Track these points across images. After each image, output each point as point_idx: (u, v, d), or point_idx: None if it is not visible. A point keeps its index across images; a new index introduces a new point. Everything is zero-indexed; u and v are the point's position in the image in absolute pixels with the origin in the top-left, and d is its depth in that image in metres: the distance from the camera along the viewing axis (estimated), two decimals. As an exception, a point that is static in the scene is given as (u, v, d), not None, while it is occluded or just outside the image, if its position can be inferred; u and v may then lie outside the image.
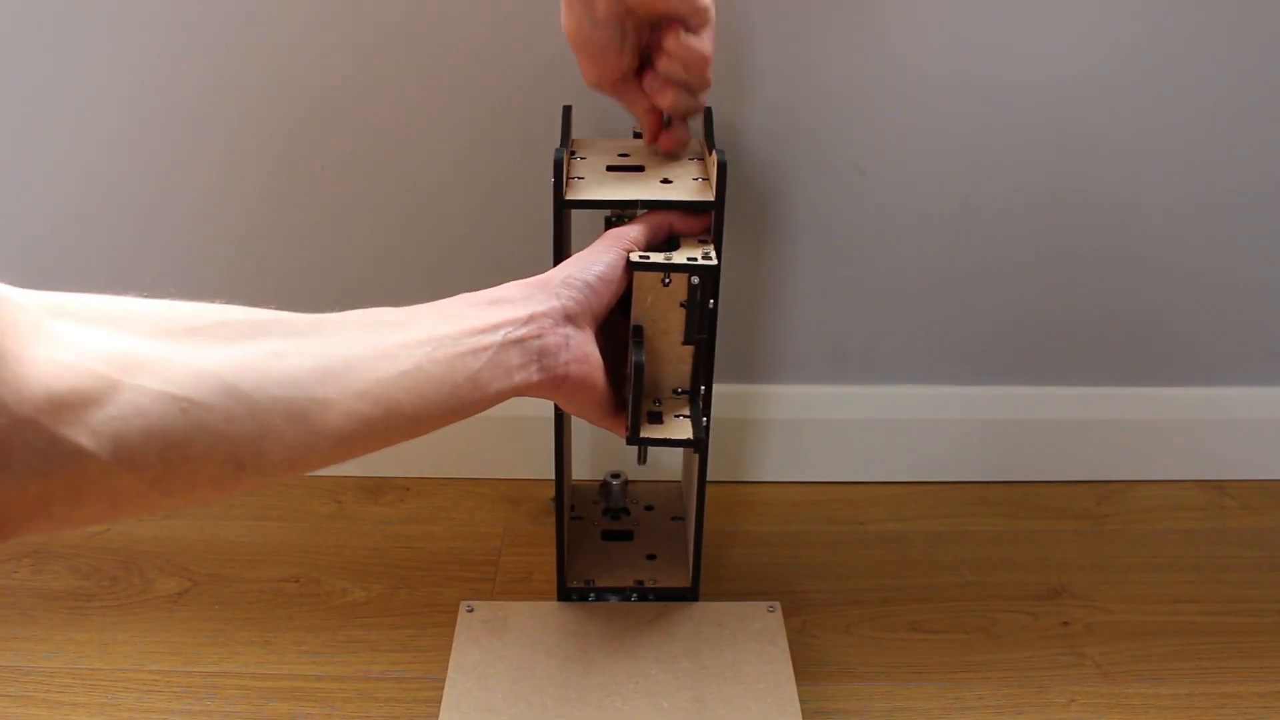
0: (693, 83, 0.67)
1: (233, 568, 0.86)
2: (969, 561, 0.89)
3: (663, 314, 0.64)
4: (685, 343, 0.64)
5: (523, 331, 0.55)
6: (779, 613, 0.76)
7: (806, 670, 0.76)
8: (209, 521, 0.91)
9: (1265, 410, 0.96)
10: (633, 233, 0.64)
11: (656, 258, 0.63)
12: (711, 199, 0.66)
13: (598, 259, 0.61)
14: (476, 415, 0.54)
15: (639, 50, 0.66)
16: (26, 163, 0.85)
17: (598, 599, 0.78)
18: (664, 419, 0.65)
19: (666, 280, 0.63)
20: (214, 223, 0.88)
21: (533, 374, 0.55)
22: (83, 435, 0.35)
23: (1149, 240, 0.90)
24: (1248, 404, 0.96)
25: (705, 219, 0.67)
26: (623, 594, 0.78)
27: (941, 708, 0.75)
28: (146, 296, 0.42)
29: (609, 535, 0.84)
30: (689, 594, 0.78)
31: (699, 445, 0.64)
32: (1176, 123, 0.85)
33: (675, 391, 0.66)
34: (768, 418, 0.95)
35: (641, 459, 0.83)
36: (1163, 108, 0.85)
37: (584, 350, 0.58)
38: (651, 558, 0.81)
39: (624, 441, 0.64)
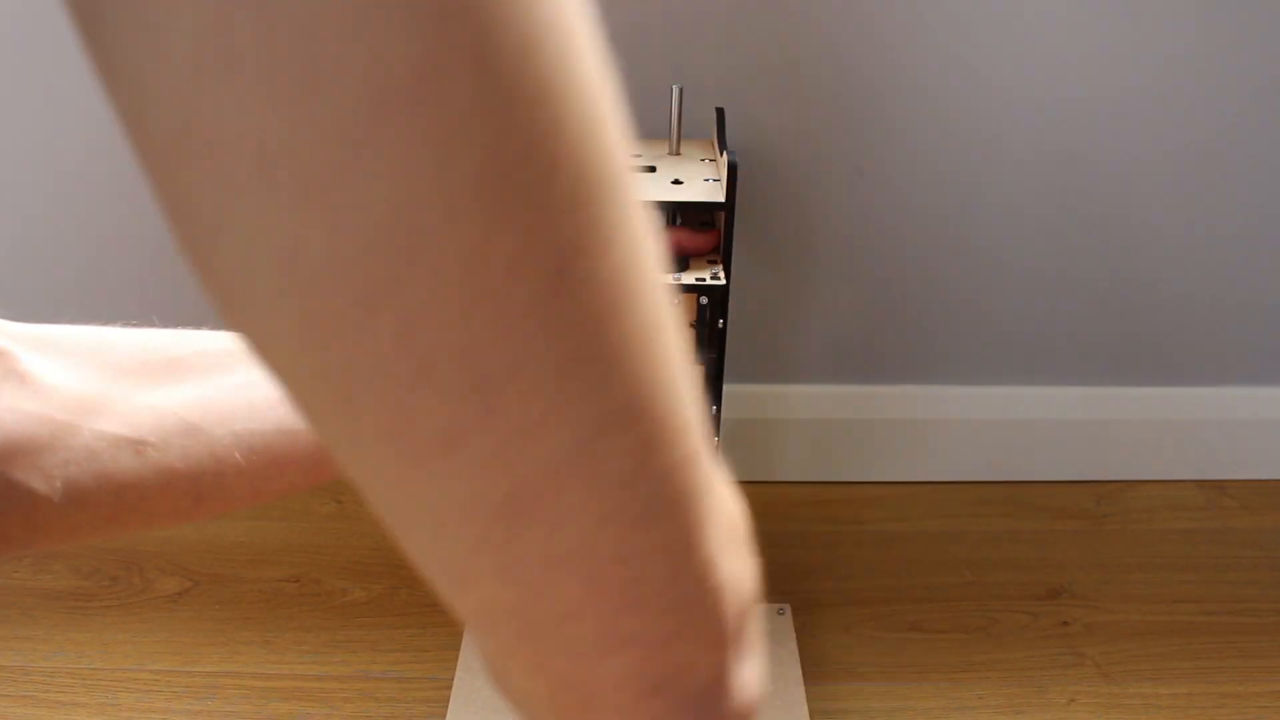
0: None
1: (233, 568, 0.86)
2: (969, 561, 0.89)
3: None
4: (694, 363, 0.64)
5: None
6: (789, 615, 0.76)
7: (807, 670, 0.76)
8: (209, 521, 0.91)
9: (1265, 410, 0.97)
10: None
11: None
12: (722, 199, 0.66)
13: None
14: None
15: None
16: (7, 161, 0.85)
17: None
18: None
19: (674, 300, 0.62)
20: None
21: None
22: (35, 479, 0.36)
23: (1149, 241, 0.90)
24: (1248, 404, 0.96)
25: (713, 237, 0.67)
26: None
27: (941, 708, 0.75)
28: (134, 325, 0.43)
29: None
30: None
31: None
32: (1176, 123, 0.85)
33: None
34: (768, 418, 0.95)
35: None
36: (1164, 109, 0.85)
37: None
38: None
39: None
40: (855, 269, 0.90)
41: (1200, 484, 0.98)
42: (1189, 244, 0.90)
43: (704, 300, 0.63)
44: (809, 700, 0.74)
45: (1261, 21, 0.82)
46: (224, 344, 0.44)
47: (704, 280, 0.63)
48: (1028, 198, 0.88)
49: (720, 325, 0.64)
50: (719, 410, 0.68)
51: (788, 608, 0.77)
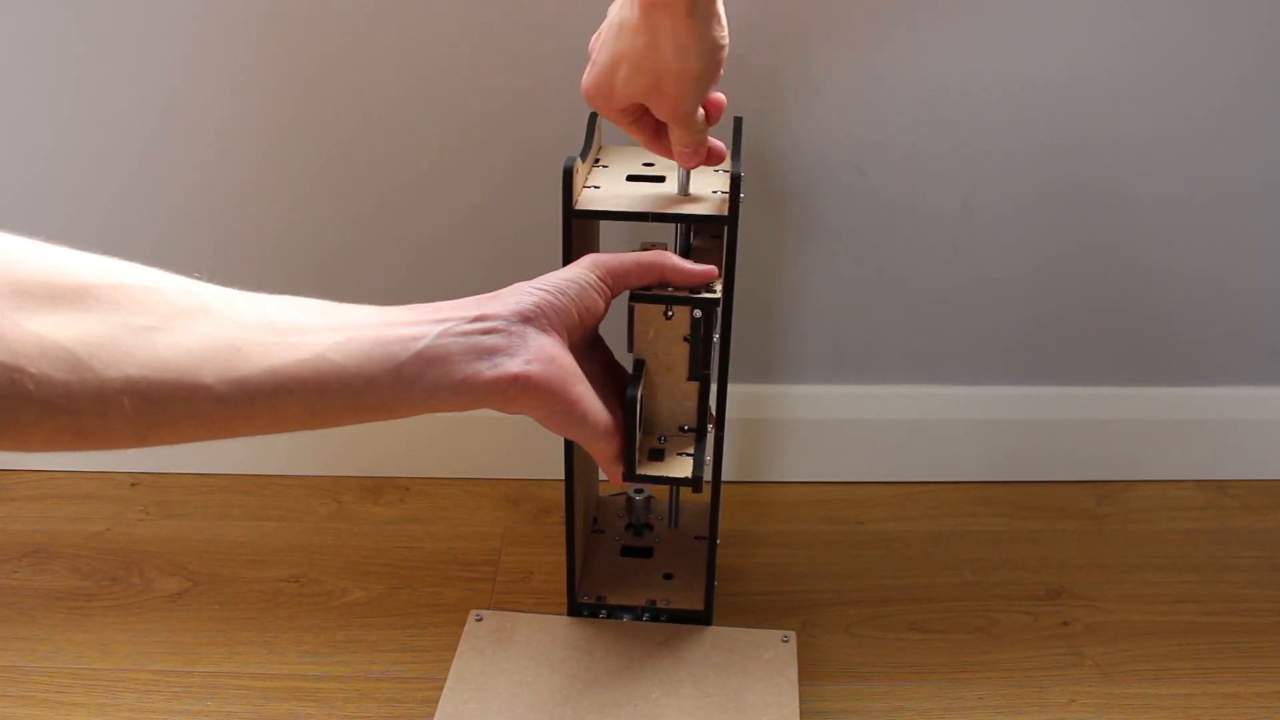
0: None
1: (233, 568, 0.86)
2: (969, 561, 0.89)
3: (666, 348, 0.62)
4: (690, 378, 0.62)
5: (467, 327, 0.50)
6: (793, 643, 0.74)
7: (807, 670, 0.76)
8: (209, 521, 0.91)
9: (1265, 410, 0.96)
10: (613, 261, 0.59)
11: (657, 291, 0.60)
12: (724, 215, 0.64)
13: (562, 272, 0.57)
14: (472, 413, 0.50)
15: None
16: (12, 154, 0.85)
17: (609, 616, 0.77)
18: (665, 456, 0.63)
19: (669, 313, 0.61)
20: (204, 217, 0.88)
21: (481, 370, 0.49)
22: None
23: (1149, 241, 0.90)
24: (1248, 404, 0.96)
25: (704, 275, 0.62)
26: (634, 613, 0.77)
27: (941, 708, 0.75)
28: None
29: (628, 551, 0.83)
30: (702, 617, 0.77)
31: (696, 484, 0.62)
32: (1177, 124, 0.85)
33: (681, 429, 0.64)
34: (767, 418, 0.95)
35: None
36: (1164, 109, 0.85)
37: (549, 352, 0.52)
38: (669, 577, 0.80)
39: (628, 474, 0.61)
40: (855, 269, 0.90)
41: (1200, 484, 0.98)
42: (1190, 245, 0.90)
43: (698, 314, 0.60)
44: (809, 700, 0.74)
45: (1267, 13, 0.82)
46: (146, 280, 0.42)
47: (698, 292, 0.61)
48: (1028, 199, 0.88)
49: (716, 340, 0.62)
50: (722, 431, 0.66)
51: (793, 635, 0.75)
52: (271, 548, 0.88)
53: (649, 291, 0.60)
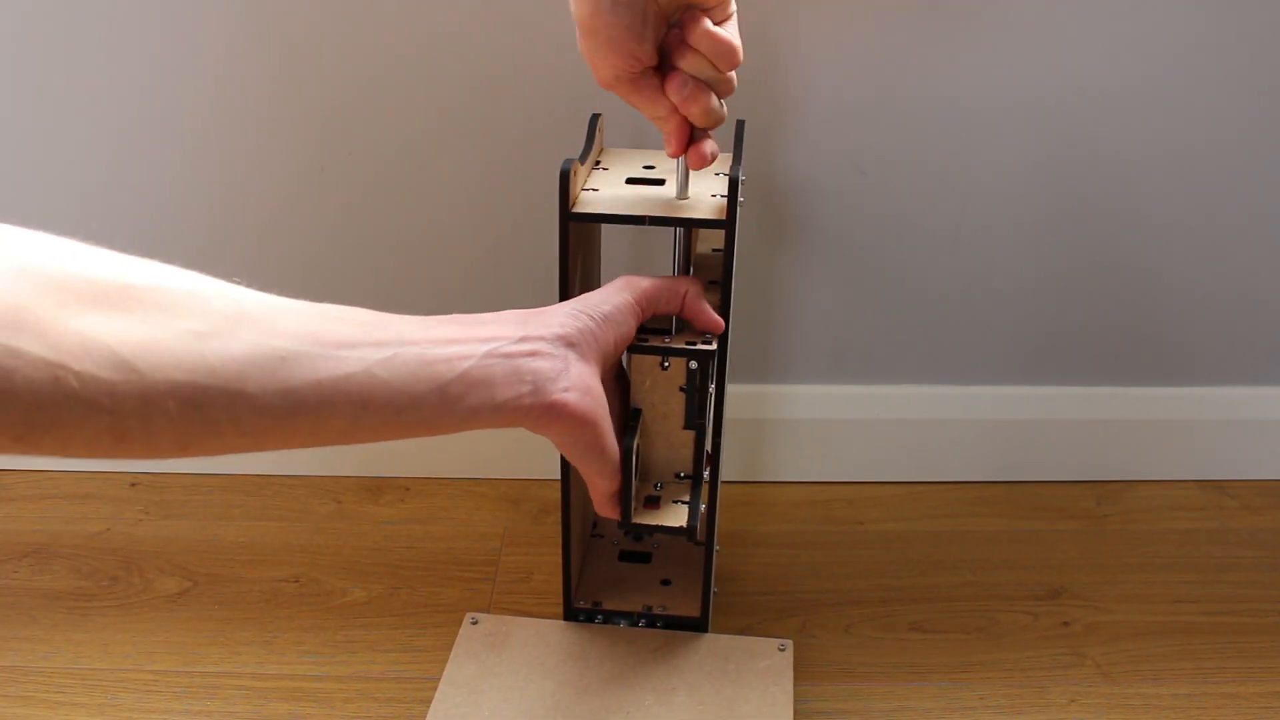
0: (720, 82, 0.60)
1: (233, 568, 0.86)
2: (969, 561, 0.89)
3: (662, 398, 0.62)
4: (686, 427, 0.63)
5: (514, 348, 0.51)
6: (789, 652, 0.74)
7: (807, 670, 0.76)
8: (209, 521, 0.91)
9: (1265, 410, 0.96)
10: (647, 283, 0.60)
11: (654, 341, 0.61)
12: (722, 219, 0.63)
13: (607, 298, 0.57)
14: None
15: (659, 42, 0.58)
16: (38, 159, 0.85)
17: (605, 622, 0.77)
18: (661, 504, 0.63)
19: (665, 364, 0.61)
20: (190, 212, 0.88)
21: (523, 394, 0.50)
22: None
23: (1149, 241, 0.90)
24: (1248, 404, 0.96)
25: (712, 325, 0.63)
26: (630, 619, 0.76)
27: (941, 708, 0.75)
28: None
29: (627, 556, 0.82)
30: (699, 624, 0.76)
31: (690, 534, 0.62)
32: (1176, 127, 0.85)
33: (678, 476, 0.65)
34: (767, 418, 0.95)
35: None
36: (1163, 113, 0.85)
37: (586, 382, 0.53)
38: (666, 583, 0.79)
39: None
40: (855, 269, 0.90)
41: (1201, 484, 0.98)
42: (1190, 244, 0.90)
43: (693, 365, 0.61)
44: (809, 700, 0.74)
45: (1271, 12, 0.82)
46: (187, 284, 0.41)
47: (694, 344, 0.61)
48: (1028, 197, 0.88)
49: (711, 391, 0.62)
50: (715, 475, 0.66)
51: (789, 644, 0.74)
52: (271, 548, 0.88)
53: (645, 342, 0.61)
